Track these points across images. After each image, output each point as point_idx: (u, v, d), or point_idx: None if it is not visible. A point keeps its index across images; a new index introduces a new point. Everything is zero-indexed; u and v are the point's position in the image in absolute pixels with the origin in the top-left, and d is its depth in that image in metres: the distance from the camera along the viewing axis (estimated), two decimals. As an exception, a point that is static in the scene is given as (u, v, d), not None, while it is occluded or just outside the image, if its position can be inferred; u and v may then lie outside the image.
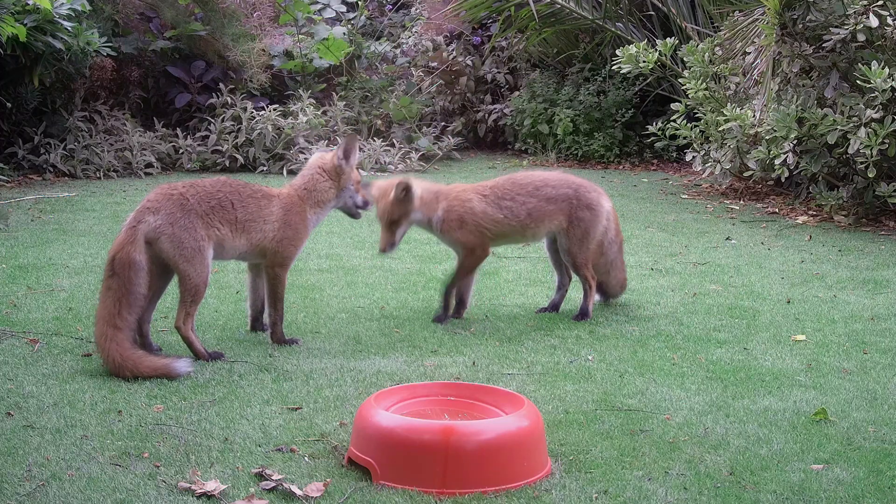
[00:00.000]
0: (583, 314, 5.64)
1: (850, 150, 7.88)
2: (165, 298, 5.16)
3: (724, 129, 9.24)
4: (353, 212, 5.28)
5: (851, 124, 7.89)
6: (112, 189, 9.47)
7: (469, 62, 12.80)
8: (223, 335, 5.18)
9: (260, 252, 4.96)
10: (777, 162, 8.48)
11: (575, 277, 5.79)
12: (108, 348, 4.48)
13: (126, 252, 4.58)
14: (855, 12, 7.85)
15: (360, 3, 12.86)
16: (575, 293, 5.82)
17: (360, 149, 11.05)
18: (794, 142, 8.33)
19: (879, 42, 8.01)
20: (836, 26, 7.98)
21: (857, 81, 7.86)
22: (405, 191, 5.31)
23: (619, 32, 11.36)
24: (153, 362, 4.52)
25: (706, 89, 9.48)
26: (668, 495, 3.50)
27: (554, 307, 5.81)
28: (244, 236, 4.87)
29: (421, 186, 5.45)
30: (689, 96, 9.64)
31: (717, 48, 9.51)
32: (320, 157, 5.26)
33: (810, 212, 8.91)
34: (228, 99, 10.99)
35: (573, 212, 5.58)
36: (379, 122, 11.73)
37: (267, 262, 5.00)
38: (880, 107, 7.76)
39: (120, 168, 10.21)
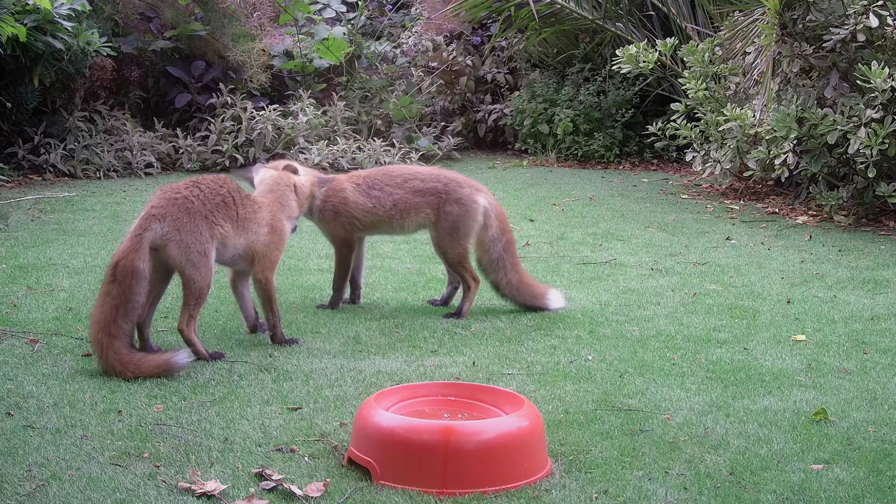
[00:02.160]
0: (457, 314, 5.61)
1: (850, 150, 7.88)
2: (165, 298, 5.16)
3: (724, 129, 9.24)
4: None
5: (851, 124, 7.89)
6: (112, 189, 9.47)
7: (469, 62, 12.79)
8: (223, 335, 5.18)
9: (251, 256, 4.96)
10: (777, 162, 8.48)
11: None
12: (106, 357, 4.50)
13: (130, 260, 4.57)
14: (855, 12, 7.85)
15: (360, 3, 12.86)
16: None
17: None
18: (794, 142, 8.33)
19: (879, 42, 8.01)
20: (836, 26, 7.97)
21: (857, 81, 7.86)
22: (293, 172, 5.30)
23: (619, 32, 11.36)
24: (153, 361, 4.53)
25: (706, 89, 9.48)
26: (668, 495, 3.51)
27: (444, 301, 5.84)
28: (243, 235, 4.89)
29: (305, 172, 5.42)
30: (689, 96, 9.64)
31: (717, 48, 9.51)
32: (287, 177, 5.24)
33: (810, 212, 8.91)
34: (228, 99, 10.99)
35: (441, 205, 5.57)
36: (379, 122, 11.73)
37: (256, 269, 4.99)
38: (880, 107, 7.75)
39: (120, 168, 10.21)
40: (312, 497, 3.42)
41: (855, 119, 7.89)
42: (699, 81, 9.47)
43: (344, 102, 11.58)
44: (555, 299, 5.73)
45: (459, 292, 5.78)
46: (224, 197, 4.83)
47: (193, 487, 3.43)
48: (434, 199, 5.58)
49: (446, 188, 5.61)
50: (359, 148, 11.08)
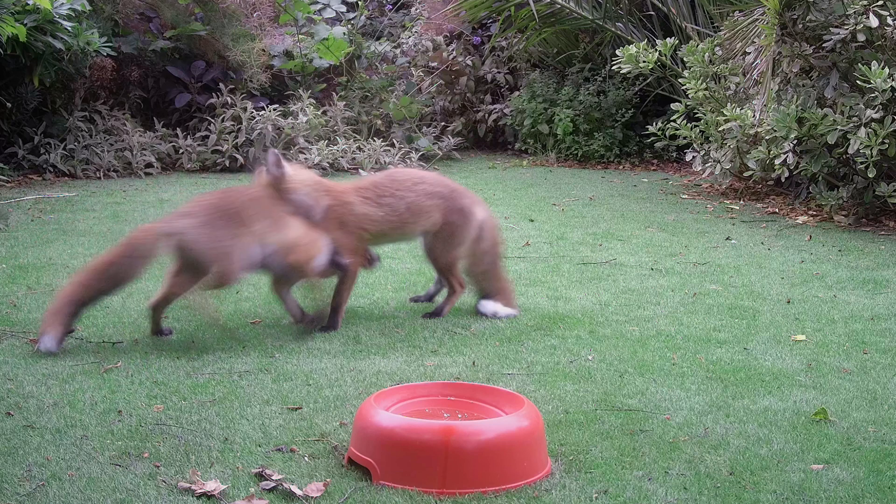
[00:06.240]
0: (436, 313, 5.60)
1: (850, 150, 7.88)
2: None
3: (724, 129, 9.24)
4: None
5: (851, 124, 7.89)
6: (112, 189, 9.47)
7: (469, 62, 12.80)
8: (224, 335, 5.18)
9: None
10: (777, 162, 8.48)
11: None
12: None
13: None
14: (855, 12, 7.85)
15: (360, 3, 12.86)
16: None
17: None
18: (794, 142, 8.33)
19: (879, 42, 8.01)
20: (836, 26, 7.97)
21: (857, 81, 7.86)
22: (275, 164, 5.16)
23: (619, 32, 11.36)
24: None
25: (706, 89, 9.49)
26: (668, 495, 3.51)
27: (428, 297, 5.85)
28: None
29: (310, 175, 5.37)
30: (689, 96, 9.65)
31: (717, 48, 9.51)
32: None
33: (810, 212, 8.92)
34: (228, 99, 10.99)
35: (446, 213, 5.51)
36: (379, 122, 11.73)
37: None
38: (880, 107, 7.75)
39: (120, 168, 10.20)
40: (312, 497, 3.42)
41: (855, 119, 7.89)
42: (699, 81, 9.47)
43: (344, 102, 11.58)
44: (487, 305, 5.68)
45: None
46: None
47: (193, 487, 3.43)
48: (442, 204, 5.50)
49: (451, 195, 5.56)
50: (359, 148, 11.08)
